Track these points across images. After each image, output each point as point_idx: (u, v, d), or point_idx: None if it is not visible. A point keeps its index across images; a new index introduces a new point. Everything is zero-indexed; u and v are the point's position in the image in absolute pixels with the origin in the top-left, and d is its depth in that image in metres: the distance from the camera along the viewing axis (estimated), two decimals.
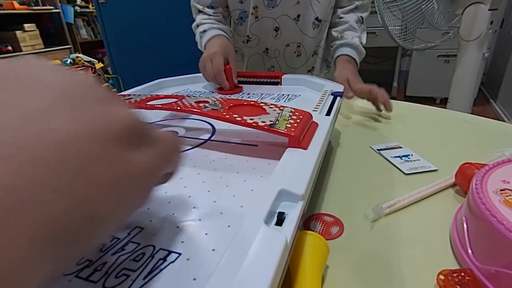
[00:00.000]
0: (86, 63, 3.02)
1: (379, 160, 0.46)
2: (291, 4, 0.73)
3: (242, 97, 0.56)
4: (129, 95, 0.47)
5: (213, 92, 0.61)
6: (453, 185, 0.39)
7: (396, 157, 0.46)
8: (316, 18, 0.75)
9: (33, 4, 3.05)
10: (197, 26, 0.78)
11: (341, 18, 0.77)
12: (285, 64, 0.83)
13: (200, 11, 0.80)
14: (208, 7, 0.79)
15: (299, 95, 0.55)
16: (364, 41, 0.76)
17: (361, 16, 0.77)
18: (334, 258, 0.28)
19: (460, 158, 0.40)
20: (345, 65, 0.72)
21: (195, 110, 0.35)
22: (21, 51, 2.94)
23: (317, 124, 0.35)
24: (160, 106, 0.38)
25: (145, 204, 0.16)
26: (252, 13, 0.76)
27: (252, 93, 0.58)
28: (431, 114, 0.66)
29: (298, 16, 0.75)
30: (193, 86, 0.66)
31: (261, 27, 0.78)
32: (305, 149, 0.29)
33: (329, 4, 0.75)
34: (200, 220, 0.24)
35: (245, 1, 0.76)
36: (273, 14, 0.75)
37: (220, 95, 0.59)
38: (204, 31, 0.75)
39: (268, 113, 0.34)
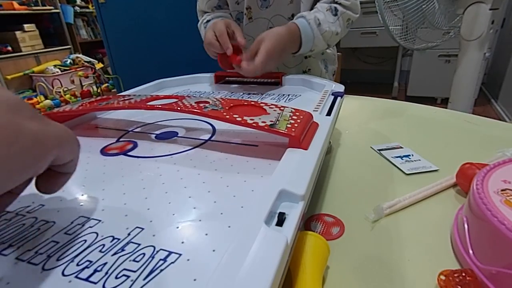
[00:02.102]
0: (86, 63, 3.02)
1: (379, 160, 0.46)
2: (284, 4, 0.73)
3: (242, 97, 0.56)
4: (129, 95, 0.47)
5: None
6: (454, 185, 0.39)
7: (397, 157, 0.46)
8: None
9: (32, 5, 3.05)
10: (203, 22, 0.79)
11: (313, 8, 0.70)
12: (282, 64, 0.83)
13: (205, 12, 0.81)
14: (215, 7, 0.79)
15: (300, 95, 0.55)
16: (328, 27, 0.65)
17: (335, 7, 0.68)
18: (334, 258, 0.28)
19: (461, 158, 0.40)
20: (277, 27, 0.62)
21: (195, 110, 0.35)
22: (21, 51, 2.94)
23: (318, 124, 0.35)
24: (160, 106, 0.38)
25: (37, 169, 0.19)
26: (245, 14, 0.76)
27: (252, 93, 0.58)
28: (432, 114, 0.66)
29: (292, 15, 0.74)
30: (193, 86, 0.66)
31: (255, 28, 0.77)
32: (305, 149, 0.29)
33: (311, 2, 0.72)
34: (200, 220, 0.24)
35: (241, 2, 0.76)
36: (266, 14, 0.75)
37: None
38: (208, 21, 0.75)
39: (269, 113, 0.34)
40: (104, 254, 0.21)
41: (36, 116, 0.19)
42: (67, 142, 0.22)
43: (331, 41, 0.69)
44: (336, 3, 0.69)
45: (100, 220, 0.24)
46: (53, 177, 0.22)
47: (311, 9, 0.72)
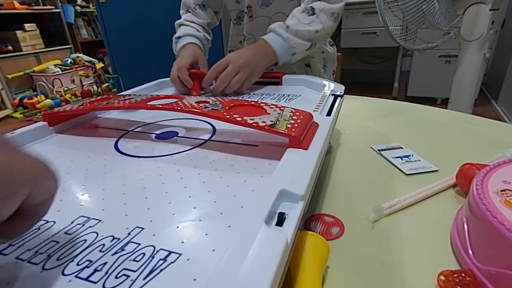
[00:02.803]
0: (86, 63, 3.02)
1: (379, 160, 0.46)
2: (285, 1, 0.72)
3: (242, 97, 0.56)
4: (129, 95, 0.47)
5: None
6: (454, 186, 0.39)
7: (397, 157, 0.46)
8: None
9: (33, 4, 3.06)
10: (179, 26, 0.78)
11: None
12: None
13: (188, 11, 0.79)
14: (199, 6, 0.78)
15: (300, 95, 0.55)
16: (301, 28, 0.64)
17: (310, 6, 0.66)
18: (334, 258, 0.28)
19: (461, 158, 0.40)
20: (243, 48, 0.65)
21: (195, 110, 0.35)
22: (21, 51, 2.95)
23: (318, 124, 0.35)
24: (160, 106, 0.38)
25: (2, 213, 0.15)
26: (246, 13, 0.76)
27: (252, 93, 0.58)
28: (432, 115, 0.66)
29: None
30: None
31: (256, 27, 0.77)
32: (305, 149, 0.29)
33: None
34: (200, 220, 0.24)
35: (242, 1, 0.76)
36: (267, 12, 0.75)
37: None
38: (179, 37, 0.74)
39: (269, 113, 0.34)
40: (104, 254, 0.21)
41: (3, 147, 0.16)
42: (42, 178, 0.18)
43: (315, 38, 0.67)
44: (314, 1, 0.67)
45: (100, 220, 0.24)
46: (18, 219, 0.18)
47: None
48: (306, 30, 0.64)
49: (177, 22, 0.79)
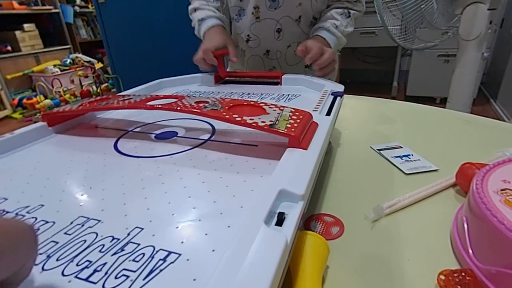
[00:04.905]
0: (85, 63, 3.02)
1: (379, 160, 0.46)
2: (293, 6, 0.73)
3: (242, 97, 0.56)
4: (128, 95, 0.47)
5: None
6: (454, 185, 0.39)
7: (397, 157, 0.46)
8: (313, 17, 0.76)
9: (32, 4, 3.05)
10: (194, 10, 0.79)
11: (327, 12, 0.76)
12: (285, 63, 0.83)
13: None
14: None
15: (299, 95, 0.55)
16: (344, 29, 0.73)
17: (348, 10, 0.75)
18: (334, 258, 0.28)
19: (461, 158, 0.40)
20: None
21: (195, 110, 0.35)
22: (20, 51, 2.94)
23: (317, 124, 0.35)
24: (160, 106, 0.38)
25: None
26: (252, 13, 0.76)
27: (252, 93, 0.58)
28: (431, 114, 0.66)
29: (300, 17, 0.75)
30: (193, 86, 0.66)
31: (262, 28, 0.77)
32: (305, 149, 0.29)
33: (323, 1, 0.75)
34: (200, 220, 0.24)
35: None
36: (275, 15, 0.75)
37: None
38: (203, 19, 0.76)
39: (268, 113, 0.34)
40: (104, 254, 0.21)
41: None
42: (19, 242, 0.15)
43: (346, 38, 0.76)
44: (346, 3, 0.74)
45: (99, 220, 0.24)
46: None
47: (320, 12, 0.75)
48: (346, 31, 0.74)
49: (190, 7, 0.81)
